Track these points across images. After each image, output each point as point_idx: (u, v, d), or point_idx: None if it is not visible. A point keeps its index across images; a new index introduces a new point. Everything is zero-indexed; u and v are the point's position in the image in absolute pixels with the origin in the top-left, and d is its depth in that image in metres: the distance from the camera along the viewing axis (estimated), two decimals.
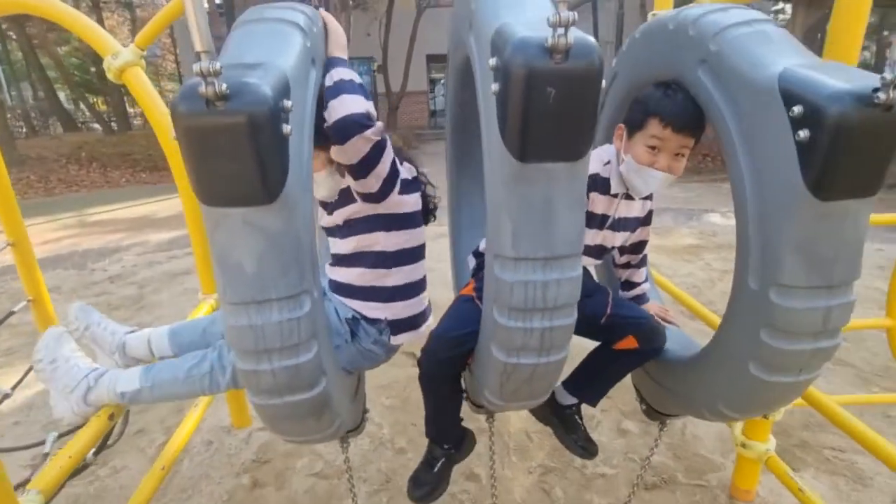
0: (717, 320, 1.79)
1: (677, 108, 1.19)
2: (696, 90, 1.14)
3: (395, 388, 2.83)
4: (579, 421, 1.60)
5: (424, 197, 1.41)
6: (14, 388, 2.43)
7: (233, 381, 1.38)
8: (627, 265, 1.60)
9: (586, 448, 1.58)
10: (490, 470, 1.79)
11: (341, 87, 1.11)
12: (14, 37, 17.32)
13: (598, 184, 1.34)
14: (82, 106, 20.54)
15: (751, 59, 0.99)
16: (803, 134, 0.87)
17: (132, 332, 1.57)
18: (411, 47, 15.66)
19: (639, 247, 1.55)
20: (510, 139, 0.88)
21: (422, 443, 2.39)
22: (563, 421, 1.59)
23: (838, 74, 0.87)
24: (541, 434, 2.46)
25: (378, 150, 1.15)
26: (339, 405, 1.18)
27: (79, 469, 1.82)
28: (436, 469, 1.59)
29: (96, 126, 18.45)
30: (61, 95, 19.84)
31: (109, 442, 1.94)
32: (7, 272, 4.83)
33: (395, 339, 1.42)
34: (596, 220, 1.37)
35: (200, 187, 0.83)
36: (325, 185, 1.30)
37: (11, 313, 2.50)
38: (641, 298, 1.63)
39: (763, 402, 1.17)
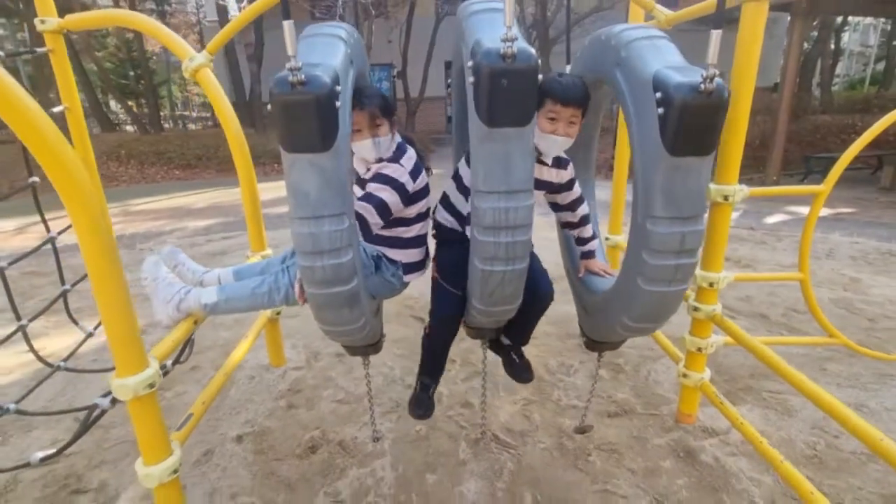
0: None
1: (563, 88, 1.62)
2: (613, 84, 1.61)
3: (405, 342, 3.33)
4: (514, 356, 2.10)
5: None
6: (95, 328, 2.99)
7: (284, 299, 1.88)
8: (570, 224, 2.03)
9: (517, 374, 2.10)
10: (482, 397, 2.27)
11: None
12: None
13: None
14: (114, 107, 21.59)
15: (642, 62, 1.47)
16: (661, 111, 1.34)
17: (207, 271, 2.09)
18: (430, 54, 16.25)
19: (572, 206, 1.97)
20: (482, 113, 1.36)
21: None
22: (504, 355, 2.13)
23: (686, 73, 1.34)
24: None
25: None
26: (365, 306, 1.66)
27: (164, 374, 2.37)
28: (430, 393, 2.11)
29: (129, 128, 19.44)
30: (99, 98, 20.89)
31: (182, 359, 2.49)
32: (70, 250, 5.43)
33: (407, 277, 1.92)
34: None
35: (285, 140, 1.33)
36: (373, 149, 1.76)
37: (84, 277, 3.05)
38: (590, 254, 2.07)
39: (652, 310, 1.58)
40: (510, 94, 1.32)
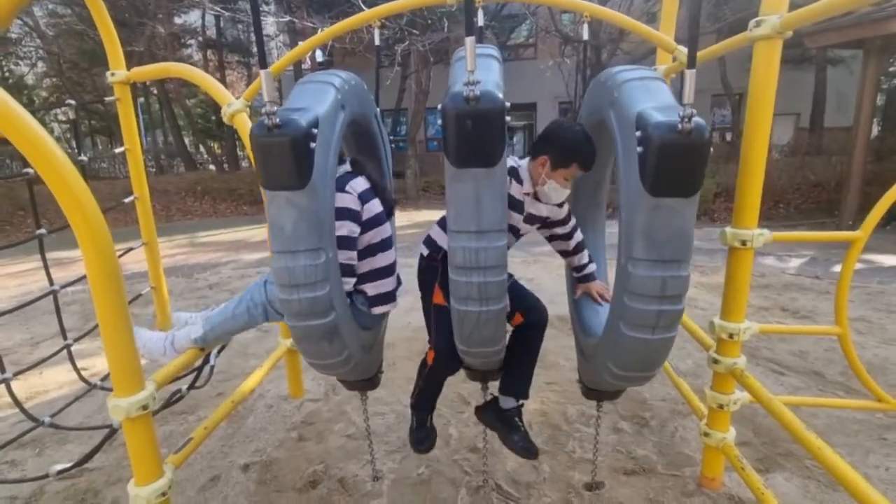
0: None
1: (592, 158, 1.74)
2: (607, 124, 1.59)
3: None
4: (519, 423, 1.92)
5: (385, 202, 1.86)
6: None
7: (265, 314, 1.88)
8: (565, 252, 2.06)
9: (526, 448, 1.88)
10: (484, 443, 2.20)
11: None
12: (155, 92, 20.65)
13: (516, 176, 1.81)
14: (201, 148, 23.66)
15: (629, 103, 1.44)
16: (639, 150, 1.30)
17: (211, 309, 2.19)
18: None
19: (567, 237, 2.00)
20: (449, 153, 1.38)
21: (437, 421, 2.82)
22: (505, 423, 1.94)
23: (668, 112, 1.30)
24: (540, 424, 2.80)
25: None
26: (349, 340, 1.67)
27: (177, 399, 2.49)
28: (428, 424, 2.08)
29: (212, 166, 21.18)
30: (186, 140, 23.01)
31: (198, 384, 2.59)
32: (132, 278, 5.92)
33: (375, 310, 1.86)
34: (515, 204, 1.80)
35: (263, 178, 1.41)
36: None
37: (139, 295, 3.29)
38: (587, 277, 2.07)
39: (636, 358, 1.50)
40: (476, 135, 1.33)
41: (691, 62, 1.26)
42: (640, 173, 1.31)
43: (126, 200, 3.24)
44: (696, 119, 1.22)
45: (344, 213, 1.69)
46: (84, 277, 2.64)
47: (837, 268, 5.95)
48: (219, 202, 13.36)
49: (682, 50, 2.50)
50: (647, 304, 1.38)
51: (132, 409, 1.62)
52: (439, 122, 1.39)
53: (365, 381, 2.07)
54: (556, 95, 17.11)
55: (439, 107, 1.39)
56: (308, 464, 2.51)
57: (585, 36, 2.55)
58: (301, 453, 2.61)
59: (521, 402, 1.93)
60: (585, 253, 2.09)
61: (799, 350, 3.63)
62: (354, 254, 1.73)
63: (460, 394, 3.14)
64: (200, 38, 20.12)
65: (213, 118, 20.85)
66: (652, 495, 2.23)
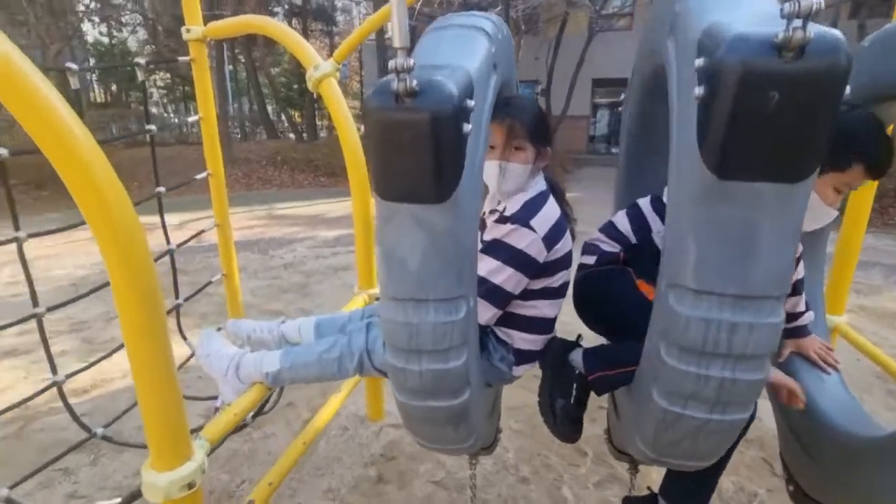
0: None
1: (886, 159, 1.05)
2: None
3: (526, 412, 2.72)
4: None
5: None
6: None
7: (359, 368, 1.41)
8: None
9: None
10: None
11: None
12: (242, 60, 21.09)
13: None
14: (283, 117, 24.10)
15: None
16: (698, 90, 0.70)
17: (283, 322, 1.72)
18: (577, 71, 15.46)
19: None
20: (709, 150, 0.75)
21: (546, 476, 2.27)
22: None
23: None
24: None
25: None
26: (477, 420, 1.13)
27: (239, 427, 2.06)
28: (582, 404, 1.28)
29: (292, 135, 21.52)
30: (269, 108, 23.50)
31: (265, 410, 2.17)
32: (210, 250, 5.75)
33: (517, 370, 1.34)
34: None
35: (380, 181, 0.85)
36: None
37: (209, 283, 2.94)
38: (801, 331, 1.41)
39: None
40: (782, 120, 0.69)
41: None
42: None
43: (198, 177, 2.85)
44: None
45: (517, 259, 1.13)
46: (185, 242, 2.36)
47: None
48: (297, 172, 13.34)
49: None
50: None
51: (174, 489, 1.16)
52: (696, 90, 0.75)
53: (482, 448, 1.54)
54: None
55: (699, 63, 0.75)
56: None
57: None
58: (380, 501, 2.14)
59: None
60: (803, 297, 1.40)
61: None
62: (499, 313, 1.18)
63: None
64: (286, 6, 20.21)
65: (295, 87, 21.03)
66: None
